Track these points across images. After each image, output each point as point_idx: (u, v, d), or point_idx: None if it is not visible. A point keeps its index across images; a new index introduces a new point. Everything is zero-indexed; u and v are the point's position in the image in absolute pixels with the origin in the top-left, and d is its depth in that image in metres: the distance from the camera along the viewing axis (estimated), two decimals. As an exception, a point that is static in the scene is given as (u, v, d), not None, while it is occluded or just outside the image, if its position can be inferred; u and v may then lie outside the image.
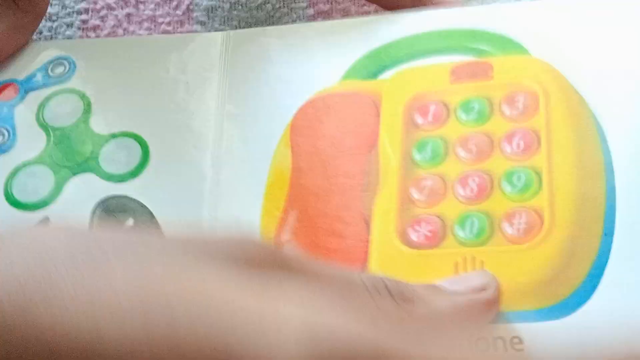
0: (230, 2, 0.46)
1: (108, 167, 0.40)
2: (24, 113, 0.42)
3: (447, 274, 0.34)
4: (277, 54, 0.41)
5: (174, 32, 0.46)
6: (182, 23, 0.46)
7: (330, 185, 0.37)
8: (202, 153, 0.39)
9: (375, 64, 0.40)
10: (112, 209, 0.38)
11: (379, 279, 0.29)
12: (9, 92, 0.42)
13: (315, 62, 0.41)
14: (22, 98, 0.42)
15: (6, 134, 0.41)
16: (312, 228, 0.36)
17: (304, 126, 0.39)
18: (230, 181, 0.38)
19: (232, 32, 0.43)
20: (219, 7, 0.46)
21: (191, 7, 0.47)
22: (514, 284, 0.33)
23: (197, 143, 0.39)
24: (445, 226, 0.35)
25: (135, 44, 0.44)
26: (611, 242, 0.33)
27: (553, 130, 0.36)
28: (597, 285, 0.32)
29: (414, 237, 0.35)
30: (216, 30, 0.45)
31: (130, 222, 0.38)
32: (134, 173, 0.39)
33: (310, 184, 0.37)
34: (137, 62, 0.42)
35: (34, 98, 0.42)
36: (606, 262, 0.33)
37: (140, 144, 0.40)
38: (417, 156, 0.37)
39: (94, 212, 0.39)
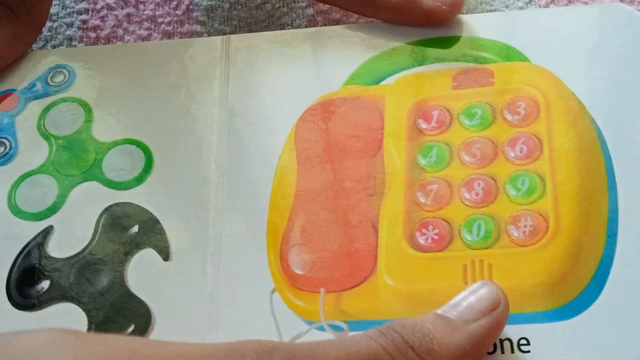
0: (230, 2, 0.46)
1: (112, 175, 0.40)
2: (25, 123, 0.42)
3: (456, 277, 0.35)
4: (279, 59, 0.42)
5: (174, 32, 0.46)
6: (182, 23, 0.46)
7: (336, 189, 0.38)
8: (206, 158, 0.40)
9: (377, 70, 0.41)
10: (117, 216, 0.39)
11: (398, 336, 0.30)
12: (9, 102, 0.43)
13: (318, 67, 0.41)
14: (23, 108, 0.43)
15: (8, 144, 0.41)
16: (319, 233, 0.37)
17: (308, 131, 0.39)
18: (236, 186, 0.39)
19: (232, 37, 0.43)
20: (219, 7, 0.46)
21: (191, 7, 0.47)
22: (522, 286, 0.34)
23: (200, 148, 0.40)
24: (452, 229, 0.36)
25: (134, 50, 0.44)
26: (615, 243, 0.34)
27: (554, 135, 0.37)
28: (603, 285, 0.33)
29: (421, 240, 0.36)
30: (216, 30, 0.46)
31: (135, 228, 0.38)
32: (138, 180, 0.40)
33: (316, 189, 0.38)
34: (137, 69, 0.43)
35: (35, 107, 0.43)
36: (611, 262, 0.34)
37: (143, 151, 0.40)
38: (422, 161, 0.38)
39: (99, 220, 0.39)
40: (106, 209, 0.39)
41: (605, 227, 0.34)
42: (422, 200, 0.37)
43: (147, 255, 0.38)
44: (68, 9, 0.48)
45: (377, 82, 0.40)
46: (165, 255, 0.38)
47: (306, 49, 0.42)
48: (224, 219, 0.38)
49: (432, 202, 0.37)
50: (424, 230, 0.36)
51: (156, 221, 0.39)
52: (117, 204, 0.39)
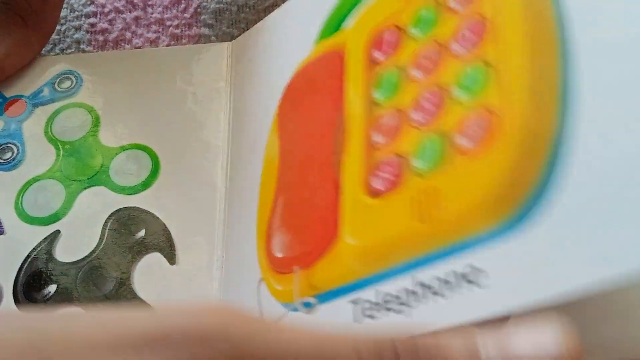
0: (237, 5, 0.47)
1: (119, 180, 0.41)
2: (32, 128, 0.43)
3: (407, 216, 0.30)
4: (267, 48, 0.42)
5: (182, 35, 0.47)
6: (190, 26, 0.47)
7: (308, 160, 0.36)
8: (212, 163, 0.40)
9: (338, 16, 0.38)
10: (124, 221, 0.40)
11: (388, 342, 0.24)
12: (16, 107, 0.44)
13: (292, 40, 0.40)
14: (30, 113, 0.44)
15: (15, 149, 0.42)
16: (294, 209, 0.36)
17: (287, 110, 0.39)
18: (242, 191, 0.39)
19: (235, 41, 0.44)
20: (227, 10, 0.47)
21: (199, 10, 0.48)
22: (473, 200, 0.29)
23: (206, 153, 0.41)
24: (404, 162, 0.32)
25: (141, 56, 0.45)
26: (570, 125, 0.28)
27: (500, 9, 0.31)
28: (554, 180, 0.27)
29: (377, 185, 0.32)
30: (224, 32, 0.46)
31: (141, 233, 0.39)
32: (145, 184, 0.41)
33: (294, 165, 0.37)
34: (143, 75, 0.44)
35: (42, 113, 0.44)
36: (563, 147, 0.28)
37: (150, 156, 0.41)
38: (377, 95, 0.34)
39: (105, 224, 0.40)
40: (113, 214, 0.40)
41: (559, 104, 0.28)
42: (377, 139, 0.33)
43: (153, 259, 0.39)
44: (76, 12, 0.49)
45: (339, 26, 0.38)
46: (172, 259, 0.39)
47: (283, 26, 0.41)
48: (230, 223, 0.39)
49: (386, 138, 0.33)
50: (378, 173, 0.32)
51: (162, 225, 0.39)
52: (123, 209, 0.40)
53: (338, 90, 0.36)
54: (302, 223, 0.35)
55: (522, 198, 0.28)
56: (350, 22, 0.37)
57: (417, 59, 0.33)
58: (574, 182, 0.27)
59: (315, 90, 0.37)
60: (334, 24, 0.38)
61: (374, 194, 0.32)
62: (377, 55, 0.35)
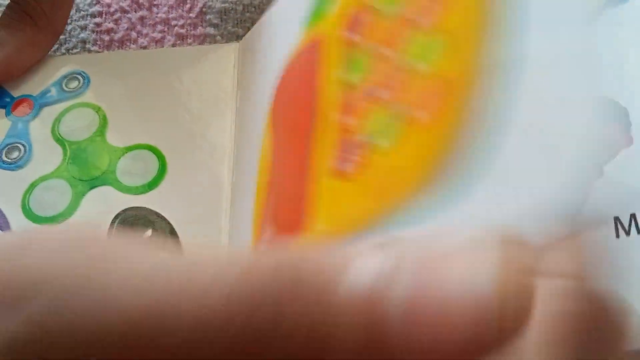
0: (243, 5, 0.48)
1: (125, 180, 0.42)
2: (39, 128, 0.44)
3: (367, 194, 0.29)
4: (267, 46, 0.42)
5: (187, 35, 0.47)
6: (195, 26, 0.48)
7: (292, 152, 0.35)
8: (219, 162, 0.41)
9: (320, 4, 0.37)
10: (130, 221, 0.40)
11: None
12: (23, 107, 0.44)
13: (284, 30, 0.39)
14: (37, 113, 0.44)
15: (22, 149, 0.43)
16: (277, 202, 0.35)
17: (278, 105, 0.38)
18: (241, 186, 0.40)
19: (242, 41, 0.44)
20: (232, 9, 0.48)
21: (204, 9, 0.48)
22: (428, 165, 0.27)
23: (213, 152, 0.41)
24: (369, 142, 0.30)
25: (148, 56, 0.46)
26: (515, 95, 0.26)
27: None
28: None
29: (345, 167, 0.31)
30: (229, 32, 0.47)
31: (148, 233, 0.40)
32: (152, 185, 0.41)
33: (283, 160, 0.36)
34: (150, 74, 0.44)
35: (49, 113, 0.44)
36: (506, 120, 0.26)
37: (157, 156, 0.42)
38: (350, 77, 0.33)
39: (112, 224, 0.40)
40: (119, 214, 0.40)
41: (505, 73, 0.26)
42: (348, 121, 0.32)
43: (160, 260, 0.39)
44: (82, 12, 0.49)
45: (324, 10, 0.36)
46: (179, 259, 0.39)
47: (277, 19, 0.41)
48: (237, 223, 0.39)
49: (356, 119, 0.31)
50: (346, 155, 0.31)
51: (170, 226, 0.40)
52: (130, 209, 0.40)
53: (313, 75, 0.35)
54: (281, 215, 0.35)
55: (465, 166, 0.26)
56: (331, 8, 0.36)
57: (387, 36, 0.32)
58: (510, 144, 0.25)
59: (300, 82, 0.37)
60: (318, 9, 0.37)
61: (341, 176, 0.31)
62: (353, 37, 0.34)
